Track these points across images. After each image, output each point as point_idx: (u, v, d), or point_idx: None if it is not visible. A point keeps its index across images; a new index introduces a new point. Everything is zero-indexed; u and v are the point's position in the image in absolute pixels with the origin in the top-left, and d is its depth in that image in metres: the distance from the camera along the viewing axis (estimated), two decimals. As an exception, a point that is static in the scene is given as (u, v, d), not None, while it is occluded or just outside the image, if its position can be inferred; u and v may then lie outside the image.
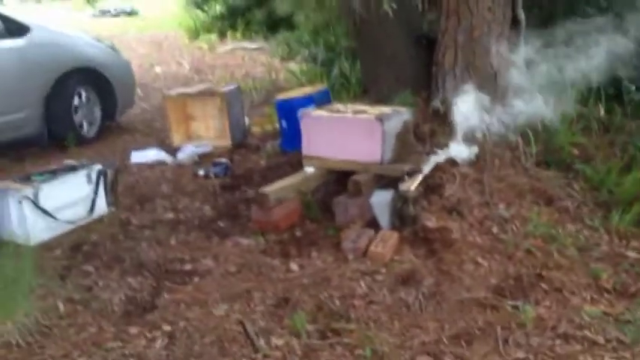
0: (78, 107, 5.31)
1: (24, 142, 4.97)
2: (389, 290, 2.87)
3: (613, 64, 3.94)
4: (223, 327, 2.60)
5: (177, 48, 11.95)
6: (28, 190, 3.33)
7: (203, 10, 12.82)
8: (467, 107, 3.76)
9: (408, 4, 4.82)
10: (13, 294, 2.61)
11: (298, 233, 3.42)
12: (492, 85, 4.36)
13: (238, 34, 12.17)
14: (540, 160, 4.02)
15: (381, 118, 3.55)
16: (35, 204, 3.33)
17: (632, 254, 3.11)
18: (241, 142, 4.95)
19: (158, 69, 9.66)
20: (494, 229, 3.33)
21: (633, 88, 4.55)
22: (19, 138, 4.87)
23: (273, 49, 10.65)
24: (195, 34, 12.52)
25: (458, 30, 4.41)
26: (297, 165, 4.25)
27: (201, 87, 5.30)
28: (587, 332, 2.53)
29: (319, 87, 4.91)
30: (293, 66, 8.85)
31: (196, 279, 2.99)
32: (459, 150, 3.61)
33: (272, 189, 3.46)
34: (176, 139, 5.04)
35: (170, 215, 3.74)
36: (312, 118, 3.75)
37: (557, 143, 4.04)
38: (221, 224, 3.59)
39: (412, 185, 3.33)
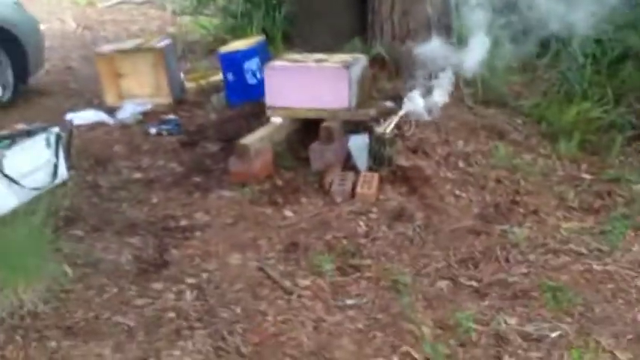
0: (-12, 69, 4.88)
1: None
2: (387, 227, 3.04)
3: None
4: (245, 275, 2.65)
5: (51, 4, 11.12)
6: (-7, 158, 3.09)
7: (72, -39, 11.93)
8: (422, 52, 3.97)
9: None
10: (15, 263, 2.47)
11: (279, 182, 3.47)
12: (427, 31, 4.60)
13: (118, -13, 11.56)
14: (479, 100, 4.33)
15: (347, 66, 3.65)
16: (2, 172, 3.11)
17: (586, 176, 3.51)
18: (180, 98, 4.83)
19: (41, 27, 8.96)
20: (461, 164, 3.59)
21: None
22: None
23: (163, 2, 10.27)
24: (67, -12, 11.71)
25: (394, -22, 4.57)
26: (250, 117, 4.27)
27: (132, 43, 5.05)
28: (571, 245, 2.87)
29: (256, 38, 4.87)
30: (188, 19, 8.64)
31: (198, 233, 2.98)
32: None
33: (251, 140, 3.47)
34: (109, 98, 4.81)
35: (138, 175, 3.63)
36: (277, 70, 3.76)
37: (494, 82, 4.37)
38: (196, 179, 3.55)
39: (388, 127, 3.48)
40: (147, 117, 4.53)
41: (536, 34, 5.01)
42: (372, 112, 3.74)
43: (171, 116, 4.41)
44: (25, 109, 4.95)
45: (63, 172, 3.52)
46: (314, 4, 5.13)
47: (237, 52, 4.50)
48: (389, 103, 4.00)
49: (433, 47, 4.31)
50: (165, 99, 4.75)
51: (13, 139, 3.34)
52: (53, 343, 2.20)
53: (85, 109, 4.75)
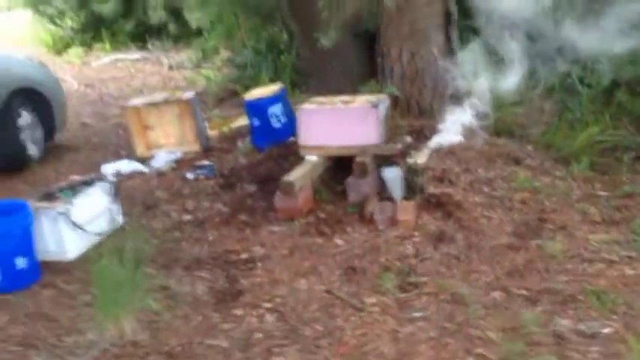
0: (21, 129, 5.12)
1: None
2: (432, 248, 3.31)
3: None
4: (316, 297, 2.89)
5: (47, 64, 11.38)
6: (62, 207, 3.32)
7: (56, 25, 12.24)
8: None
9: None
10: (112, 298, 2.68)
11: (322, 215, 3.73)
12: (435, 71, 4.99)
13: (106, 47, 11.88)
14: (491, 130, 4.67)
15: (375, 105, 3.98)
16: (70, 220, 3.33)
17: (602, 193, 3.84)
18: (207, 145, 5.10)
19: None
20: (485, 189, 3.88)
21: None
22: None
23: (158, 58, 10.60)
24: (57, 49, 11.99)
25: (401, 24, 4.97)
26: (278, 158, 4.57)
27: (160, 96, 5.33)
28: (603, 254, 3.16)
29: (277, 86, 5.18)
30: (188, 73, 8.99)
31: (259, 264, 3.21)
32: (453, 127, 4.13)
33: (294, 177, 3.74)
34: (139, 149, 5.07)
35: (187, 217, 3.86)
36: (308, 112, 4.07)
37: (503, 115, 4.73)
38: (243, 217, 3.79)
39: (421, 159, 3.79)
40: (180, 164, 4.79)
41: (531, 67, 5.44)
42: (399, 146, 4.06)
43: (205, 162, 4.67)
44: (57, 164, 5.19)
45: (118, 217, 3.75)
46: (324, 52, 5.49)
47: (262, 99, 4.81)
48: (409, 138, 4.34)
49: (442, 85, 4.70)
50: (193, 147, 5.02)
51: (73, 189, 3.58)
52: (157, 367, 2.41)
53: (115, 160, 4.99)
